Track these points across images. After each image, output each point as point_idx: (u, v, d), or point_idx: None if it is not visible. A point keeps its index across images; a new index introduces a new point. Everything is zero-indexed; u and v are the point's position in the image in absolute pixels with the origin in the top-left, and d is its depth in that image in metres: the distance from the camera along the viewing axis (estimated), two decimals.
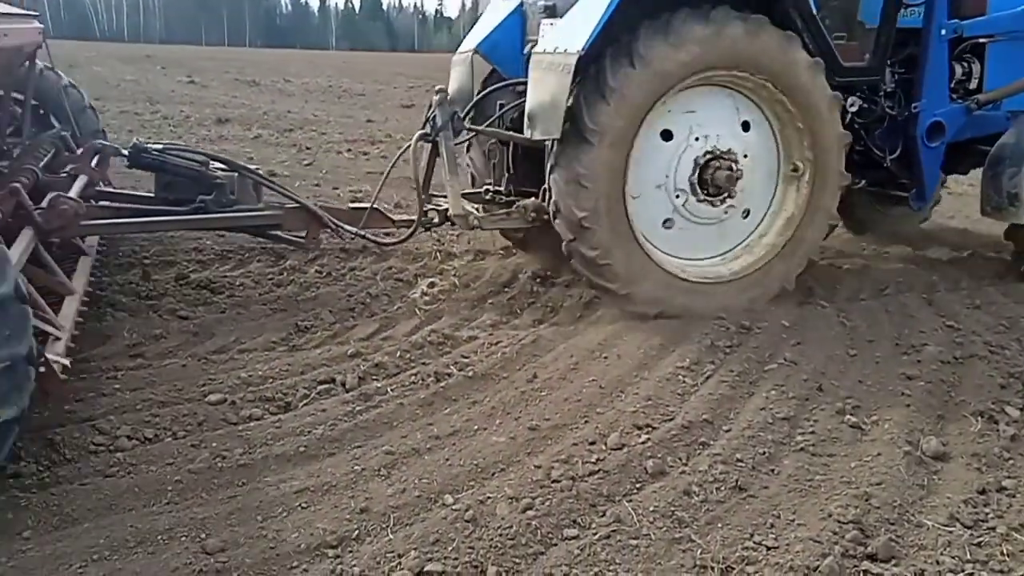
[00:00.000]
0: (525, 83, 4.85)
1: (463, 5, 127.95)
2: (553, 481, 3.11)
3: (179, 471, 3.13)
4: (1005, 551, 2.73)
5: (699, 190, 4.85)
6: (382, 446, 3.38)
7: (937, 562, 2.66)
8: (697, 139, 4.81)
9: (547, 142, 4.72)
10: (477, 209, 5.39)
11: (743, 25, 4.50)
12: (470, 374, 4.11)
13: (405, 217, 5.46)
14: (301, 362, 4.24)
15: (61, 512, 2.87)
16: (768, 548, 2.73)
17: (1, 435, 2.72)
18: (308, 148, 11.81)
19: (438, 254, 6.26)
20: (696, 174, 4.82)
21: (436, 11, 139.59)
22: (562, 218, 4.70)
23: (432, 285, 5.55)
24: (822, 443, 3.46)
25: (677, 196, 4.87)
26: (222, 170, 4.84)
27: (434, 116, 5.10)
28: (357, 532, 2.80)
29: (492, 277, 5.85)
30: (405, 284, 5.65)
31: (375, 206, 5.25)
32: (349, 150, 11.88)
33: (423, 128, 5.18)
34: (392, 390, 3.95)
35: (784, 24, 4.68)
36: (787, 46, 4.64)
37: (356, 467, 3.22)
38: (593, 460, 3.27)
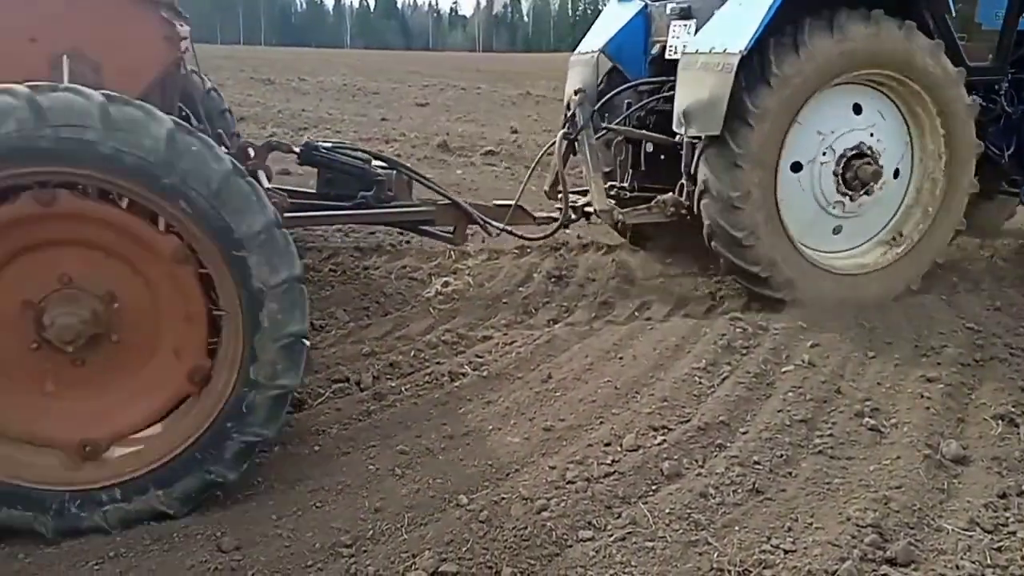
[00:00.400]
0: (650, 83, 5.45)
1: (478, 4, 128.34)
2: (568, 482, 3.10)
3: None
4: None
5: (841, 184, 5.00)
6: (396, 446, 3.38)
7: (957, 567, 2.63)
8: (843, 134, 4.97)
9: (688, 141, 4.93)
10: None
11: (899, 28, 4.75)
12: (484, 374, 4.10)
13: (545, 214, 5.58)
14: (315, 361, 4.24)
15: None
16: (785, 551, 2.70)
17: (278, 404, 2.84)
18: None
19: (452, 253, 6.25)
20: (840, 166, 4.99)
21: (451, 9, 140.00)
22: (711, 200, 4.83)
23: (446, 284, 5.55)
24: (840, 446, 3.43)
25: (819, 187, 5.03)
26: (382, 168, 4.96)
27: (574, 115, 5.33)
28: (372, 532, 2.79)
29: (506, 276, 5.84)
30: (419, 283, 5.65)
31: (519, 203, 5.37)
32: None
33: (563, 127, 5.44)
34: (406, 389, 3.95)
35: (920, 29, 4.88)
36: (935, 51, 4.89)
37: (370, 467, 3.21)
38: (608, 461, 3.25)
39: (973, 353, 4.36)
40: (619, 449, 3.36)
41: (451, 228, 5.16)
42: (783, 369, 4.13)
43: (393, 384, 4.00)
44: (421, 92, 22.57)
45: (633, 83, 5.68)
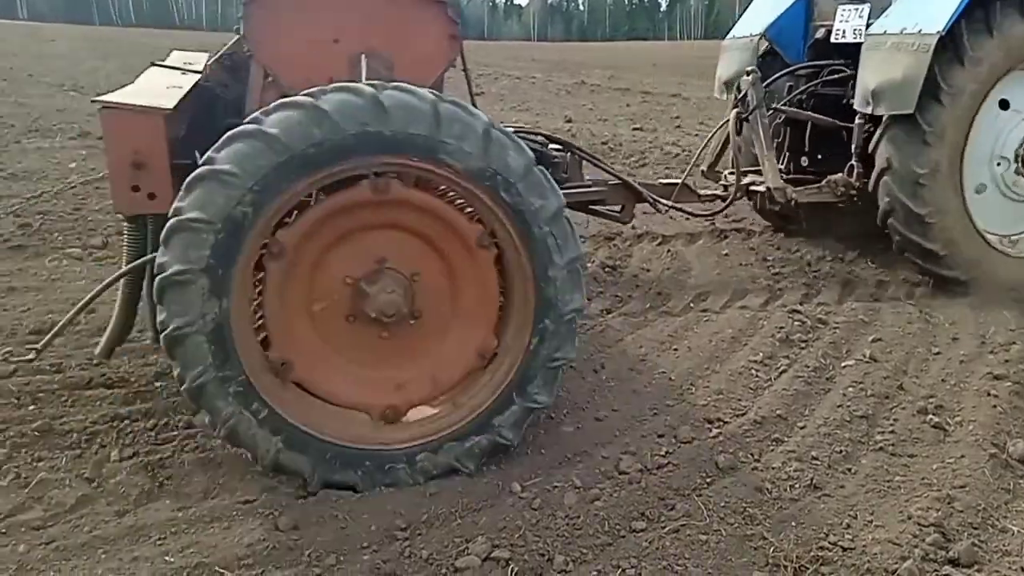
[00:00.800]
0: (810, 67, 5.69)
1: None
2: (621, 473, 3.09)
3: None
4: None
5: (1021, 162, 5.04)
6: None
7: (1022, 569, 2.55)
8: None
9: (860, 123, 5.12)
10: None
11: None
12: None
13: (709, 192, 5.68)
14: None
15: (142, 487, 2.97)
16: (844, 549, 2.65)
17: (556, 375, 3.06)
18: None
19: None
20: None
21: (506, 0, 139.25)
22: (893, 178, 4.90)
23: None
24: (902, 443, 3.35)
25: (997, 164, 5.07)
26: (557, 150, 5.03)
27: (746, 95, 5.44)
28: (426, 516, 2.82)
29: None
30: None
31: (685, 181, 5.46)
32: None
33: (733, 107, 5.58)
34: None
35: None
36: None
37: None
38: (662, 453, 3.23)
39: None
40: (673, 440, 3.34)
41: (619, 207, 5.27)
42: (843, 364, 4.05)
43: None
44: (476, 81, 22.55)
45: (793, 67, 5.88)
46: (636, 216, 5.54)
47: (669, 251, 6.21)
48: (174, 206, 2.67)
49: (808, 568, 2.56)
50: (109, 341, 3.53)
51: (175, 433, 3.34)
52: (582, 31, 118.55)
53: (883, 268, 5.55)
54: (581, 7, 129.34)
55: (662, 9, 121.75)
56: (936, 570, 2.54)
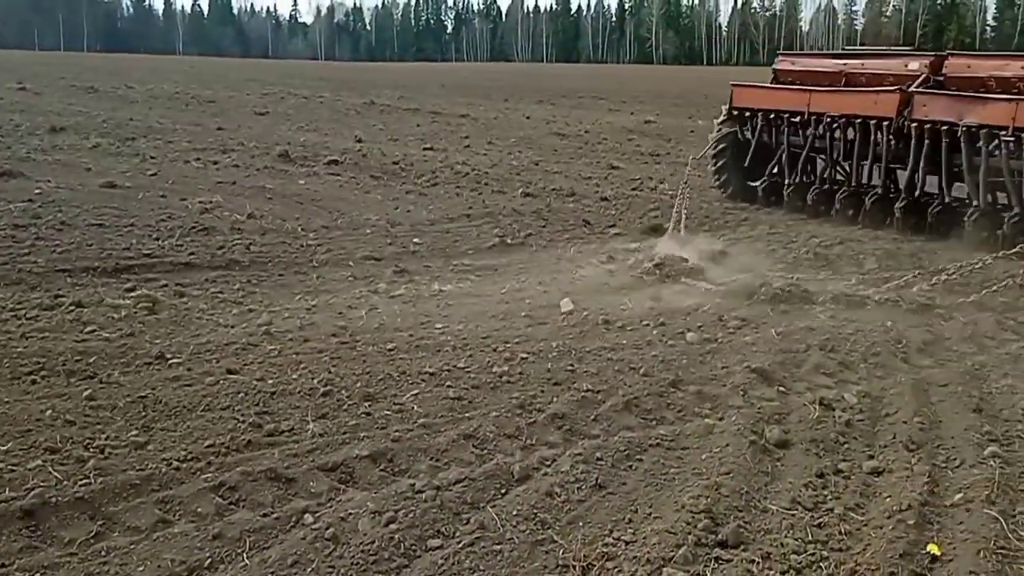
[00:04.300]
0: None
1: (318, 11, 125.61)
2: (417, 492, 3.07)
3: None
4: (843, 530, 2.92)
5: None
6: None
7: (781, 544, 2.81)
8: None
9: None
10: None
11: None
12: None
13: None
14: None
15: None
16: (627, 543, 2.80)
17: None
18: (152, 157, 11.22)
19: None
20: None
21: (291, 16, 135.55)
22: None
23: None
24: (677, 437, 3.60)
25: None
26: None
27: None
28: (210, 560, 2.65)
29: None
30: None
31: None
32: (198, 159, 11.37)
33: None
34: None
35: None
36: None
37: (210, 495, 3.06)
38: (460, 467, 3.26)
39: (791, 345, 4.69)
40: (471, 453, 3.38)
41: None
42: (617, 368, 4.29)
43: None
44: (260, 101, 21.87)
45: None
46: None
47: None
48: None
49: (595, 565, 2.68)
50: None
51: None
52: (370, 51, 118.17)
53: None
54: (369, 27, 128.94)
55: (449, 31, 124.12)
56: (707, 553, 2.74)
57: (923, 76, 7.77)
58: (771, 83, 9.39)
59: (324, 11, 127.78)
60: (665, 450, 3.49)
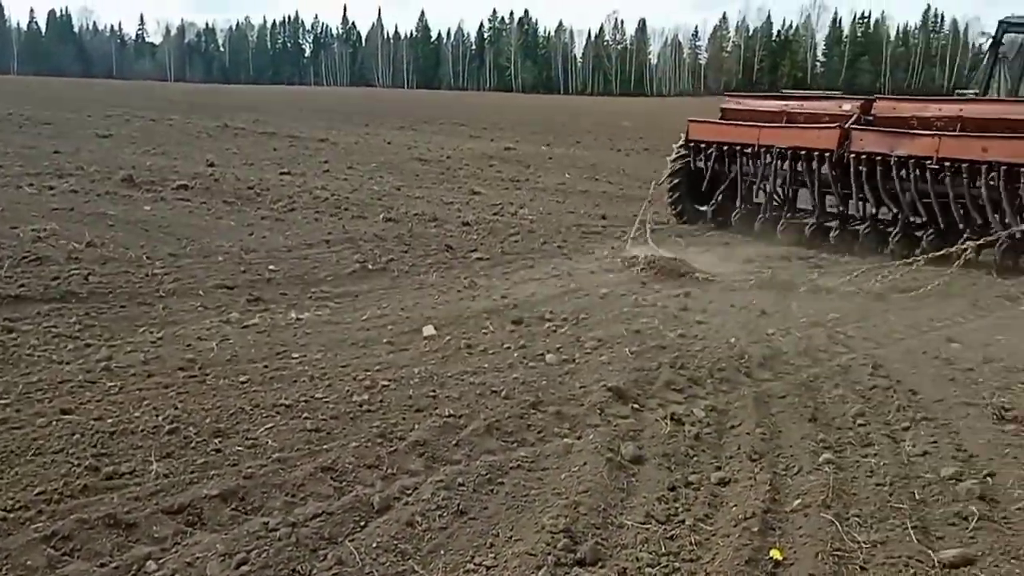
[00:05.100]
0: None
1: (167, 30, 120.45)
2: (271, 530, 2.95)
3: None
4: (693, 541, 3.03)
5: None
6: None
7: (637, 559, 2.89)
8: None
9: None
10: None
11: None
12: None
13: None
14: None
15: None
16: (487, 568, 2.80)
17: None
18: None
19: None
20: None
21: (137, 35, 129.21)
22: None
23: None
24: (538, 459, 3.64)
25: None
26: None
27: None
28: None
29: None
30: None
31: None
32: (31, 184, 10.61)
33: None
34: None
35: None
36: None
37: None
38: (317, 502, 3.16)
39: (644, 364, 4.87)
40: (328, 486, 3.28)
41: None
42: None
43: None
44: (103, 123, 20.73)
45: None
46: None
47: None
48: None
49: None
50: None
51: None
52: (224, 73, 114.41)
53: None
54: (222, 48, 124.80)
55: (307, 55, 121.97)
56: (567, 573, 2.78)
57: (855, 116, 9.00)
58: (719, 119, 10.48)
59: (174, 31, 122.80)
60: (526, 472, 3.53)
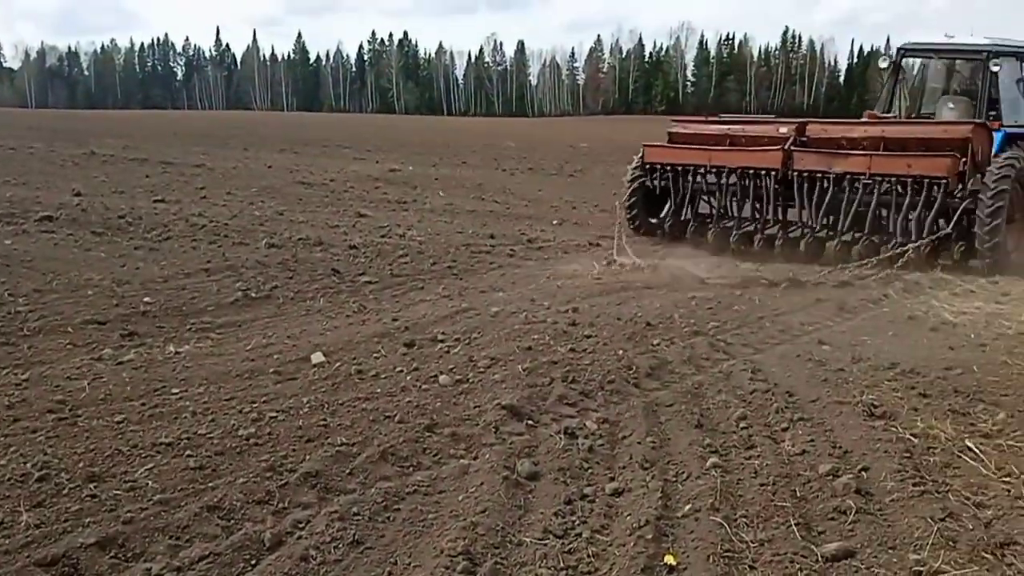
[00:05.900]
0: None
1: (26, 54, 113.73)
2: None
3: None
4: (590, 553, 3.08)
5: None
6: None
7: (536, 575, 2.90)
8: None
9: None
10: None
11: None
12: None
13: None
14: None
15: None
16: None
17: None
18: None
19: None
20: None
21: None
22: None
23: None
24: (434, 482, 3.61)
25: None
26: None
27: None
28: None
29: None
30: None
31: None
32: None
33: None
34: None
35: None
36: None
37: None
38: (206, 542, 3.02)
39: (536, 380, 4.92)
40: (217, 526, 3.15)
41: None
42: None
43: None
44: None
45: None
46: None
47: None
48: None
49: None
50: None
51: None
52: (89, 98, 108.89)
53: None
54: (87, 72, 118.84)
55: (179, 79, 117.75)
56: None
57: (791, 137, 9.97)
58: (668, 143, 11.35)
59: (34, 55, 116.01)
60: (423, 496, 3.49)
